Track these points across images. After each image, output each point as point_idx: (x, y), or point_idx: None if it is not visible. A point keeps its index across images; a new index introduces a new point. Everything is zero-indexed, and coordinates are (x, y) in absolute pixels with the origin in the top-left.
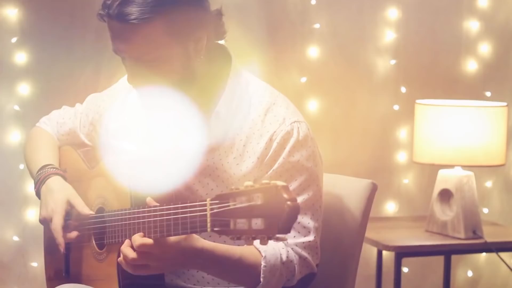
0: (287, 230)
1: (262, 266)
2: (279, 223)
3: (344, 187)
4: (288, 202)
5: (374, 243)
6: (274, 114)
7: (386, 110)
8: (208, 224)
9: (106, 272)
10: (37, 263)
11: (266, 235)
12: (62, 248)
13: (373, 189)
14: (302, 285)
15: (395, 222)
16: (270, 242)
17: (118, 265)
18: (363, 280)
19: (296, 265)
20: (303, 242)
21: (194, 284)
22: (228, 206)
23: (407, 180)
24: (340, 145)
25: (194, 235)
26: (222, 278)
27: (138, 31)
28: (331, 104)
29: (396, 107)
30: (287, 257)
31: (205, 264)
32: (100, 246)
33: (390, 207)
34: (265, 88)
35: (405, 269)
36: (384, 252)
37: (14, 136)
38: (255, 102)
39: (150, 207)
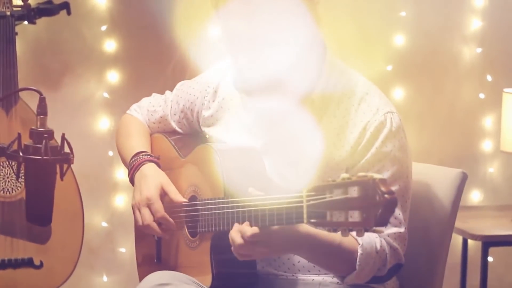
0: (384, 223)
1: (359, 253)
2: (377, 216)
3: (433, 176)
4: (386, 195)
5: (460, 232)
6: (367, 104)
7: (471, 99)
8: (305, 216)
9: (199, 259)
10: (125, 249)
11: (363, 228)
12: (175, 228)
13: (463, 178)
14: (389, 275)
15: (480, 211)
16: None
17: (211, 253)
18: (447, 268)
19: (387, 255)
20: (395, 233)
21: (285, 272)
22: (325, 198)
23: (492, 169)
24: (425, 134)
25: None
26: (320, 264)
27: None
28: (416, 93)
29: (481, 96)
30: (380, 246)
31: (309, 249)
32: (192, 234)
33: (475, 196)
34: (358, 78)
35: (489, 259)
36: (469, 241)
37: (103, 123)
38: (348, 92)
39: (245, 197)
